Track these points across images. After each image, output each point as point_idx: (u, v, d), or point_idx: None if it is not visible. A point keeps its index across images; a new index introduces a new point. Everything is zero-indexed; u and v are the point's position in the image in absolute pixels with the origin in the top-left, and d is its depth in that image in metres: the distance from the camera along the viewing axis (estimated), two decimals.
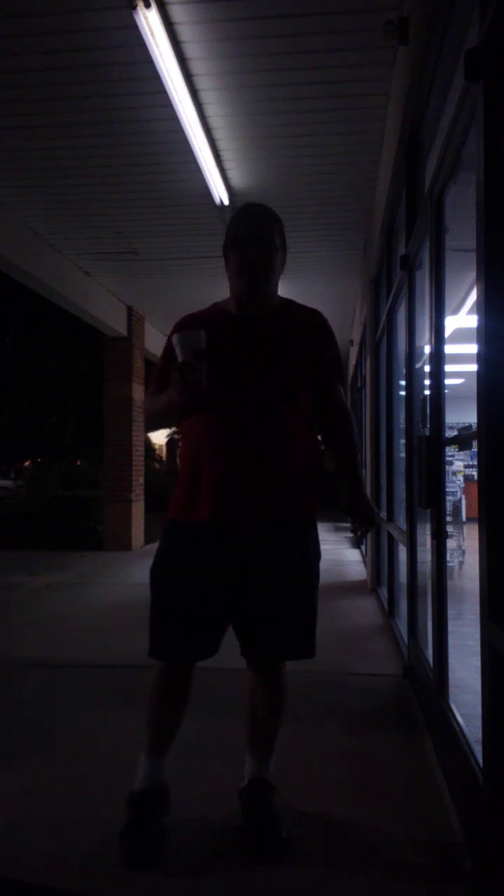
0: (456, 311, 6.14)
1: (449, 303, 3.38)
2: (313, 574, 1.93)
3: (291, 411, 1.88)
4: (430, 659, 2.64)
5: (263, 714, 2.00)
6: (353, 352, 9.07)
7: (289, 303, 2.01)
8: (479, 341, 1.68)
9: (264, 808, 1.96)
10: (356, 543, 8.20)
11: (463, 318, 6.20)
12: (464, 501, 7.67)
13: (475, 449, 1.81)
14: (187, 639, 1.86)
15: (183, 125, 3.95)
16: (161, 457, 17.76)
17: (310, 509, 1.92)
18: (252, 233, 1.88)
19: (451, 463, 7.90)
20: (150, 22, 3.04)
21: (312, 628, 1.92)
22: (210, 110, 3.95)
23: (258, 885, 1.76)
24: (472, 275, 1.74)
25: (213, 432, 1.86)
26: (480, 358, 1.67)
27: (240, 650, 1.92)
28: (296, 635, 1.89)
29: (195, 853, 1.89)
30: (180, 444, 2.00)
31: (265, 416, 1.84)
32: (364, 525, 2.04)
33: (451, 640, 2.53)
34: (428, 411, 2.62)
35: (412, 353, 3.32)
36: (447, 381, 2.57)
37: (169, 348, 1.93)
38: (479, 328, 1.67)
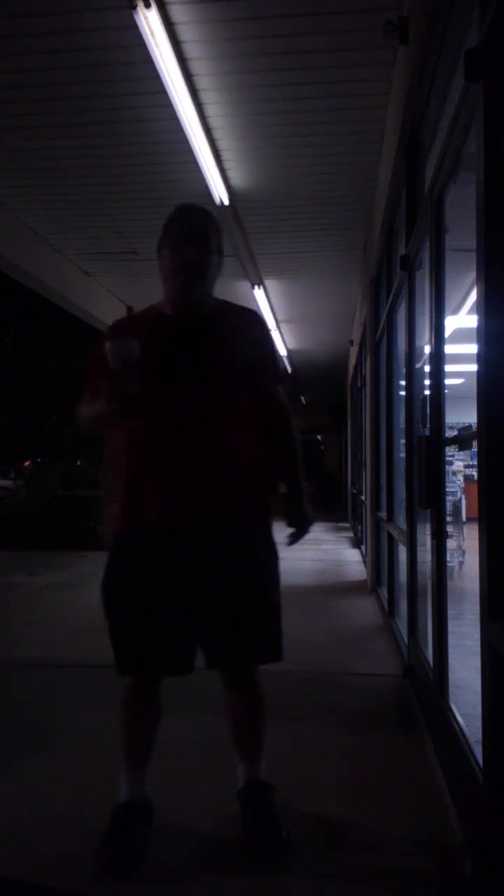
0: (456, 311, 6.14)
1: (449, 303, 3.38)
2: (270, 574, 1.90)
3: (233, 412, 1.86)
4: (430, 659, 2.64)
5: (244, 720, 1.97)
6: (353, 352, 9.07)
7: (225, 303, 1.99)
8: (479, 341, 1.68)
9: (264, 808, 1.95)
10: (355, 543, 8.20)
11: (463, 318, 6.19)
12: (464, 501, 7.66)
13: (475, 449, 1.81)
14: (150, 650, 1.83)
15: (183, 125, 3.94)
16: None
17: (261, 509, 1.89)
18: (189, 232, 1.85)
19: (451, 463, 7.90)
20: (150, 22, 3.03)
21: (276, 630, 1.89)
22: (210, 110, 3.95)
23: (257, 886, 1.76)
24: (472, 275, 1.74)
25: (154, 435, 1.83)
26: (480, 358, 1.67)
27: (205, 661, 1.88)
28: (258, 637, 1.86)
29: (194, 854, 1.89)
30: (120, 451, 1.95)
31: (206, 417, 1.83)
32: (296, 533, 1.98)
33: (451, 640, 2.52)
34: (428, 411, 2.62)
35: (412, 353, 3.32)
36: (447, 381, 2.57)
37: (102, 353, 1.88)
38: (479, 328, 1.67)
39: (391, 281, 4.46)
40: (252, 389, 1.92)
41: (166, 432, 1.82)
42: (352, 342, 9.30)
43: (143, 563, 1.83)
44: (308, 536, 2.05)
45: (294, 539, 1.99)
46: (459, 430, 3.14)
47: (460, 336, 5.54)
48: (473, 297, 3.44)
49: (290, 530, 1.98)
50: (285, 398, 2.00)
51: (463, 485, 8.01)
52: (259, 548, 1.89)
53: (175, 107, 3.75)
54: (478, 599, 1.66)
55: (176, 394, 1.83)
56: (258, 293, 7.28)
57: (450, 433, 2.65)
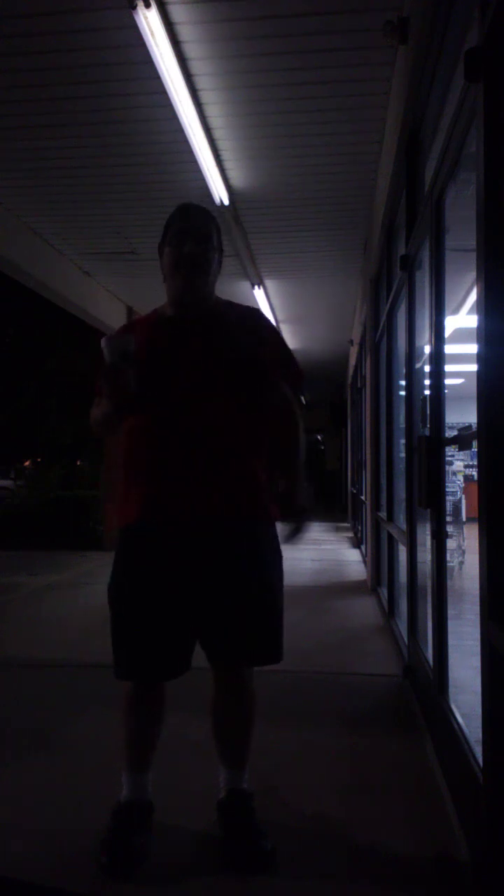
0: (456, 311, 6.14)
1: (449, 303, 3.39)
2: (274, 574, 1.89)
3: (234, 409, 1.86)
4: (430, 659, 2.64)
5: (233, 722, 1.95)
6: (353, 352, 9.07)
7: (228, 303, 1.99)
8: (479, 341, 1.68)
9: (246, 819, 1.91)
10: (355, 543, 8.19)
11: (463, 318, 6.20)
12: (464, 501, 7.67)
13: (475, 449, 1.81)
14: (155, 654, 1.82)
15: (183, 125, 3.94)
16: None
17: (265, 505, 1.88)
18: (191, 229, 1.87)
19: (451, 463, 7.90)
20: (150, 22, 3.03)
21: (277, 632, 1.88)
22: (210, 110, 3.95)
23: (257, 886, 1.76)
24: (472, 275, 1.74)
25: (157, 432, 1.83)
26: (480, 358, 1.67)
27: (207, 659, 1.88)
28: (259, 639, 1.86)
29: (194, 855, 1.89)
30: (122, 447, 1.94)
31: (208, 414, 1.83)
32: (294, 530, 1.94)
33: (451, 640, 2.52)
34: (428, 411, 2.62)
35: (412, 353, 3.32)
36: (447, 381, 2.58)
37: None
38: (479, 328, 1.67)
39: (391, 281, 4.46)
40: (258, 386, 1.90)
41: (170, 429, 1.83)
42: (352, 342, 9.31)
43: (149, 559, 1.83)
44: (308, 536, 2.03)
45: (292, 536, 1.94)
46: (459, 430, 3.14)
47: (460, 336, 5.55)
48: (473, 297, 3.45)
49: (288, 528, 1.95)
50: (293, 396, 1.97)
51: (463, 485, 8.01)
52: (264, 546, 1.88)
53: (175, 107, 3.75)
54: (478, 599, 1.66)
55: (178, 390, 1.84)
56: (258, 293, 7.28)
57: (450, 433, 2.65)
